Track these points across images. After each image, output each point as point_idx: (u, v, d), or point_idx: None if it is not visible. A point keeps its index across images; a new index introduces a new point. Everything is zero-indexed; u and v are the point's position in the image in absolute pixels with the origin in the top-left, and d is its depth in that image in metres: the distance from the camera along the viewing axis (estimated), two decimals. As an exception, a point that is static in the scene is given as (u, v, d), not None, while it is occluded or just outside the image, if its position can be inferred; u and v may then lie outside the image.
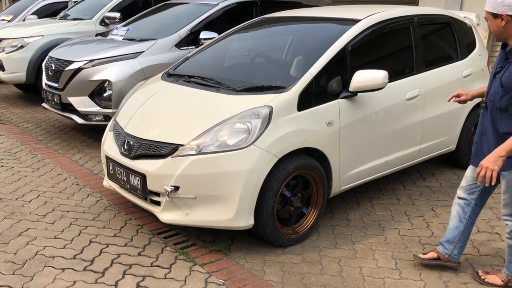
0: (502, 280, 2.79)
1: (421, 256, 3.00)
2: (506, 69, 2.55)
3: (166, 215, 3.10)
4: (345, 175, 3.54)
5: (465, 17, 4.80)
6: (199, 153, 2.97)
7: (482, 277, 2.85)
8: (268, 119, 3.04)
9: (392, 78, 3.71)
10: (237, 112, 3.09)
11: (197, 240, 3.30)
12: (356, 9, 4.21)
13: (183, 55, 5.13)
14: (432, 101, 4.07)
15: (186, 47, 5.48)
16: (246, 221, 2.99)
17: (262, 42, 4.38)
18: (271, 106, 3.08)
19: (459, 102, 3.07)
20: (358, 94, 3.43)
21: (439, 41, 4.42)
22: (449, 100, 3.13)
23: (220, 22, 5.74)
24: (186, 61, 4.21)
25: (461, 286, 2.83)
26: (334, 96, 3.37)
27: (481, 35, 6.88)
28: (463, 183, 2.91)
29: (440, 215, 3.76)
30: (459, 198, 2.92)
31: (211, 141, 2.99)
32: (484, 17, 2.61)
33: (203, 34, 5.39)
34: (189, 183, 2.96)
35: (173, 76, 3.95)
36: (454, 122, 4.39)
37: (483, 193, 2.84)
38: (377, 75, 3.29)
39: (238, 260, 3.07)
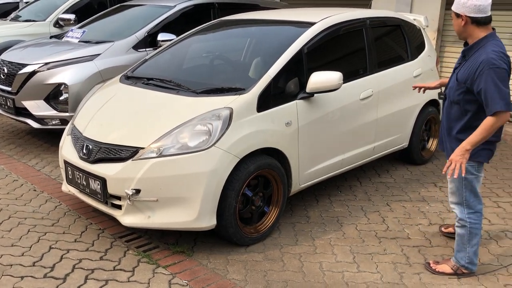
0: (452, 268, 2.97)
1: (444, 229, 3.50)
2: (462, 66, 2.76)
3: (128, 219, 3.09)
4: (304, 173, 3.64)
5: (414, 20, 5.02)
6: (160, 155, 2.98)
7: (433, 267, 3.02)
8: (228, 121, 3.09)
9: (347, 79, 3.84)
10: (197, 114, 3.12)
11: (159, 243, 3.31)
12: (311, 12, 4.33)
13: (141, 57, 5.10)
14: (385, 101, 4.24)
15: (144, 49, 5.45)
16: (209, 221, 3.03)
17: (221, 44, 4.43)
18: (231, 108, 3.13)
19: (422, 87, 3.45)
20: (315, 95, 3.54)
21: (390, 43, 4.61)
22: (414, 88, 3.48)
23: (178, 24, 5.74)
24: (145, 63, 4.20)
25: (414, 276, 2.98)
26: (292, 97, 3.46)
27: (430, 36, 7.20)
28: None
29: (395, 209, 3.93)
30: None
31: (172, 143, 3.02)
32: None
33: (161, 36, 5.39)
34: (150, 186, 2.98)
35: (131, 78, 3.93)
36: (406, 120, 4.59)
37: None
38: (332, 77, 3.40)
39: (201, 260, 3.11)
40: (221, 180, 3.00)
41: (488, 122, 2.57)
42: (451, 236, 3.37)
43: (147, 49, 5.45)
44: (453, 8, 2.73)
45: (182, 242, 3.31)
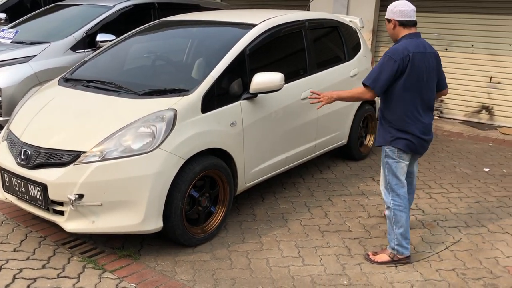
0: (389, 256, 3.15)
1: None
2: None
3: (71, 224, 3.02)
4: (250, 172, 3.71)
5: (350, 21, 5.23)
6: (103, 159, 2.94)
7: (371, 257, 3.19)
8: (172, 122, 3.09)
9: (288, 79, 3.95)
10: (140, 116, 3.10)
11: (105, 247, 3.26)
12: (252, 13, 4.42)
13: (80, 58, 4.96)
14: (325, 100, 4.40)
15: (83, 50, 5.31)
16: (155, 224, 3.03)
17: (162, 45, 4.41)
18: (175, 109, 3.14)
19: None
20: (258, 95, 3.62)
21: (328, 44, 4.79)
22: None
23: (118, 24, 5.64)
24: (84, 65, 4.10)
25: (356, 266, 3.14)
26: (236, 97, 3.52)
27: (366, 37, 7.52)
28: None
29: (336, 204, 4.10)
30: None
31: (115, 146, 2.98)
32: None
33: (100, 37, 5.28)
34: (93, 190, 2.93)
35: (70, 80, 3.83)
36: (345, 118, 4.79)
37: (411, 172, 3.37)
38: (275, 78, 3.50)
39: (148, 263, 3.10)
40: (167, 182, 3.01)
41: (357, 89, 3.17)
42: None
43: (85, 50, 5.31)
44: (386, 16, 3.16)
45: (129, 245, 3.28)
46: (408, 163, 3.14)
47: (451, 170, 5.02)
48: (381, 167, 3.20)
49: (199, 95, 3.28)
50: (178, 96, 3.26)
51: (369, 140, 5.38)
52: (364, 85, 3.04)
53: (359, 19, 5.38)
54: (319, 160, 5.13)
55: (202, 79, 3.39)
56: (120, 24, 5.66)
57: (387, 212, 3.19)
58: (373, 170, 4.95)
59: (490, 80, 6.92)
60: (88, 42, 5.37)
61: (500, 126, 6.85)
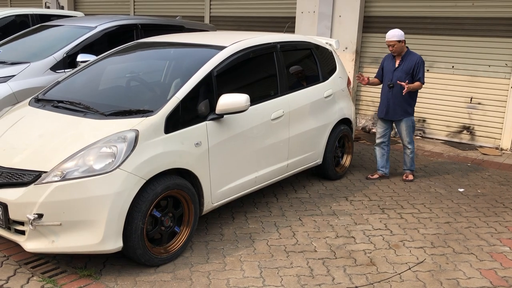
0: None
1: (370, 176, 5.35)
2: (402, 65, 5.03)
3: (31, 244, 3.04)
4: (217, 192, 3.74)
5: (326, 43, 5.32)
6: (63, 179, 2.97)
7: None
8: (134, 143, 3.13)
9: (258, 100, 4.02)
10: (103, 136, 3.15)
11: (67, 267, 3.26)
12: (224, 36, 4.49)
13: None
14: (297, 120, 4.45)
15: (63, 70, 5.38)
16: (114, 244, 3.04)
17: (136, 66, 4.48)
18: (137, 130, 3.18)
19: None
20: (225, 116, 3.66)
21: (301, 66, 4.86)
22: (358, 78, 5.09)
23: (100, 45, 5.73)
24: (57, 85, 4.17)
25: (315, 287, 3.14)
26: (202, 118, 3.56)
27: (349, 57, 7.62)
28: (379, 133, 5.29)
29: (306, 223, 4.11)
30: (379, 144, 5.32)
31: (76, 166, 3.01)
32: (388, 43, 5.02)
33: (80, 57, 5.34)
34: (53, 210, 2.95)
35: (41, 101, 3.89)
36: (319, 138, 4.83)
37: (389, 135, 5.28)
38: (240, 99, 3.55)
39: (108, 283, 3.10)
40: (126, 202, 3.03)
41: (418, 84, 5.01)
42: (378, 179, 5.35)
43: (65, 70, 5.38)
44: (397, 38, 4.96)
45: (91, 265, 3.29)
46: None
47: (425, 190, 5.04)
48: (406, 129, 5.14)
49: (163, 115, 3.33)
50: (141, 117, 3.30)
51: (346, 160, 5.41)
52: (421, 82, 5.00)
53: (335, 41, 5.46)
54: (295, 179, 5.16)
55: (167, 100, 3.44)
56: (102, 44, 5.75)
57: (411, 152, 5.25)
58: (348, 190, 4.97)
59: (471, 100, 6.98)
60: (68, 62, 5.45)
61: (480, 147, 6.90)
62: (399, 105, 5.06)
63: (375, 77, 5.34)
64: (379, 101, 5.27)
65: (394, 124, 5.31)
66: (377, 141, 5.33)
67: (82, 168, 3.02)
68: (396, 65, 5.05)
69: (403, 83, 4.89)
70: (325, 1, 7.83)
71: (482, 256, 3.59)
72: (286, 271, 3.33)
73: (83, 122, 3.36)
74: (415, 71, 4.97)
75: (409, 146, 5.23)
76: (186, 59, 4.14)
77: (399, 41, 4.93)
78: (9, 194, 3.04)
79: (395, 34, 4.93)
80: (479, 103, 6.93)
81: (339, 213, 4.36)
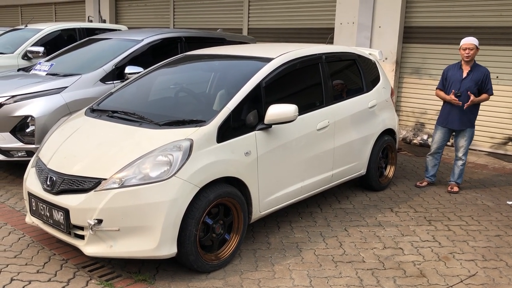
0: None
1: (419, 184, 5.43)
2: (470, 75, 5.02)
3: (90, 248, 3.17)
4: (264, 201, 3.79)
5: (370, 54, 5.33)
6: (122, 186, 3.09)
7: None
8: (189, 152, 3.23)
9: (304, 110, 4.07)
10: (159, 145, 3.26)
11: (122, 271, 3.38)
12: (271, 47, 4.58)
13: (109, 89, 5.23)
14: (342, 130, 4.48)
15: (112, 82, 5.58)
16: (169, 250, 3.13)
17: (185, 77, 4.61)
18: (192, 139, 3.28)
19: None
20: (273, 126, 3.73)
21: (346, 76, 4.89)
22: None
23: (146, 57, 5.91)
24: (110, 96, 4.33)
25: (367, 297, 3.14)
26: (251, 128, 3.64)
27: (389, 67, 7.59)
28: (436, 142, 5.30)
29: (352, 234, 4.11)
30: (433, 153, 5.36)
31: (134, 174, 3.13)
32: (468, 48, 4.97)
33: (128, 69, 5.54)
34: (112, 216, 3.07)
35: (96, 111, 4.06)
36: (363, 148, 4.83)
37: (444, 145, 5.34)
38: (288, 109, 3.61)
39: (162, 288, 3.20)
40: (181, 209, 3.12)
41: (485, 96, 5.05)
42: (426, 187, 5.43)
43: (114, 82, 5.58)
44: (476, 43, 4.97)
45: (145, 270, 3.39)
46: None
47: (472, 202, 4.95)
48: (466, 140, 5.17)
49: (215, 125, 3.42)
50: (195, 126, 3.41)
51: (389, 171, 5.38)
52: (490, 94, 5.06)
53: (378, 51, 5.46)
54: (338, 190, 5.16)
55: (219, 110, 3.53)
56: (148, 57, 5.94)
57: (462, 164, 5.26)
58: (392, 201, 4.94)
59: (516, 111, 6.82)
60: (117, 74, 5.65)
61: (527, 158, 6.72)
62: (465, 114, 5.06)
63: (437, 88, 5.29)
64: (440, 110, 5.26)
65: (453, 134, 5.31)
66: (432, 149, 5.34)
67: (139, 176, 3.13)
68: (464, 75, 5.04)
69: (471, 95, 4.93)
70: (365, 12, 7.85)
71: (537, 271, 3.50)
72: (335, 280, 3.34)
73: (139, 131, 3.49)
74: (484, 82, 5.00)
75: (463, 158, 5.23)
76: (235, 71, 4.24)
77: (477, 47, 4.97)
78: (71, 200, 3.18)
79: (474, 39, 5.01)
80: (525, 114, 6.77)
81: (385, 224, 4.34)
